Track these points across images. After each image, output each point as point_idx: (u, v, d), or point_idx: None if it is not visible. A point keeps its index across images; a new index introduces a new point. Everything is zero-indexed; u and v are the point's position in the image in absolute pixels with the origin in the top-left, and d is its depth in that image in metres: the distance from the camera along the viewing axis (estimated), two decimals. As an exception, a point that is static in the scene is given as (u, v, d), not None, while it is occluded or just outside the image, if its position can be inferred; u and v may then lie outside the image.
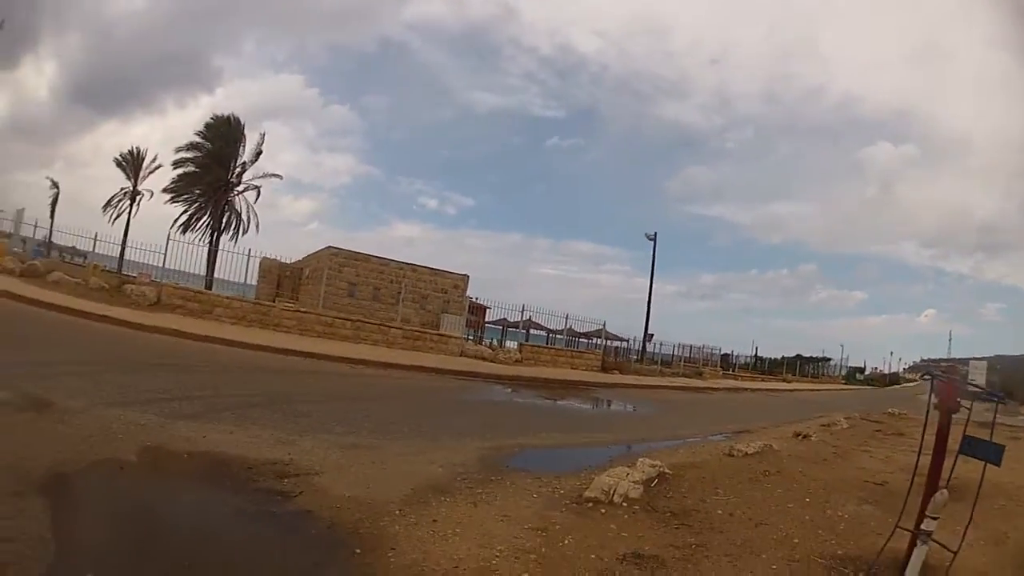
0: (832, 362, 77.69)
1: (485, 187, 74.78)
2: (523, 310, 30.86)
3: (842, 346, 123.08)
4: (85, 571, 3.41)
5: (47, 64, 74.91)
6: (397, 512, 5.18)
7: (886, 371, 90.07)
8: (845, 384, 67.35)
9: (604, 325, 34.03)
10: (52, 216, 27.57)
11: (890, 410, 20.28)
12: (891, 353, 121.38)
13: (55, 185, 30.48)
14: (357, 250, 31.26)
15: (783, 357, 67.95)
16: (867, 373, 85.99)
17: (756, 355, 64.67)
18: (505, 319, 36.43)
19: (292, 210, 76.82)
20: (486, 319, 35.81)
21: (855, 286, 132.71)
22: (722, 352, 51.81)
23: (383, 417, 10.08)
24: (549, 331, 35.55)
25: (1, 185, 24.17)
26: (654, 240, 37.00)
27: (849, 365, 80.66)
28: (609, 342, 37.45)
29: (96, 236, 25.04)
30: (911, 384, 69.77)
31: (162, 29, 71.94)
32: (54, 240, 30.74)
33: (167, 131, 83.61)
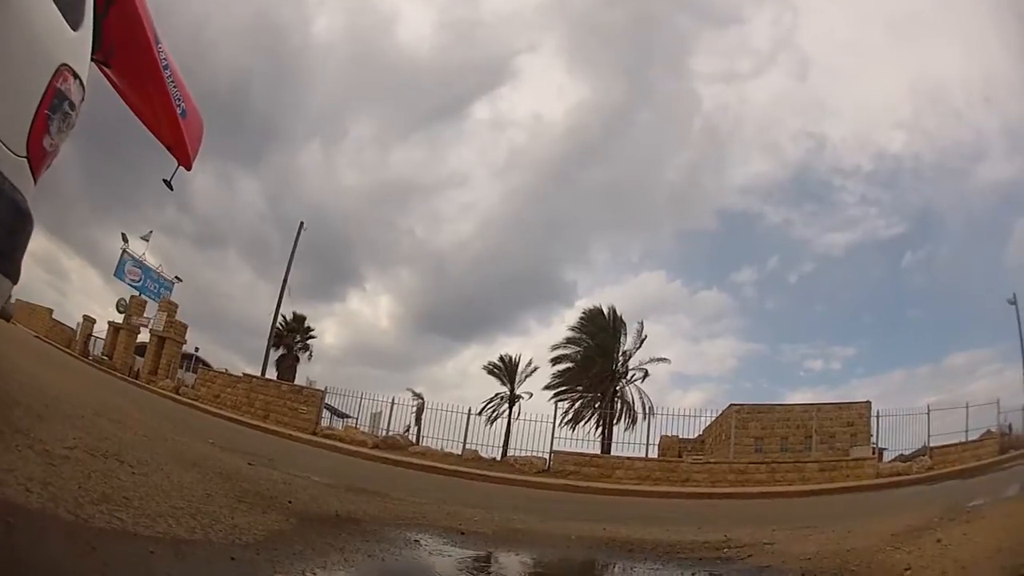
0: None
1: (861, 330, 70.83)
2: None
3: None
4: None
5: (382, 298, 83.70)
6: (889, 548, 4.79)
7: None
8: None
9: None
10: (418, 423, 29.16)
11: None
12: None
13: (419, 396, 32.89)
14: (760, 402, 30.98)
15: None
16: None
17: None
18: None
19: (683, 404, 78.25)
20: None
21: None
22: None
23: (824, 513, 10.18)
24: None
25: (356, 396, 25.03)
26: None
27: None
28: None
29: (465, 439, 25.84)
30: None
31: (502, 258, 78.54)
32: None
33: (535, 348, 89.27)
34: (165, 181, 6.88)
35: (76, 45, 3.00)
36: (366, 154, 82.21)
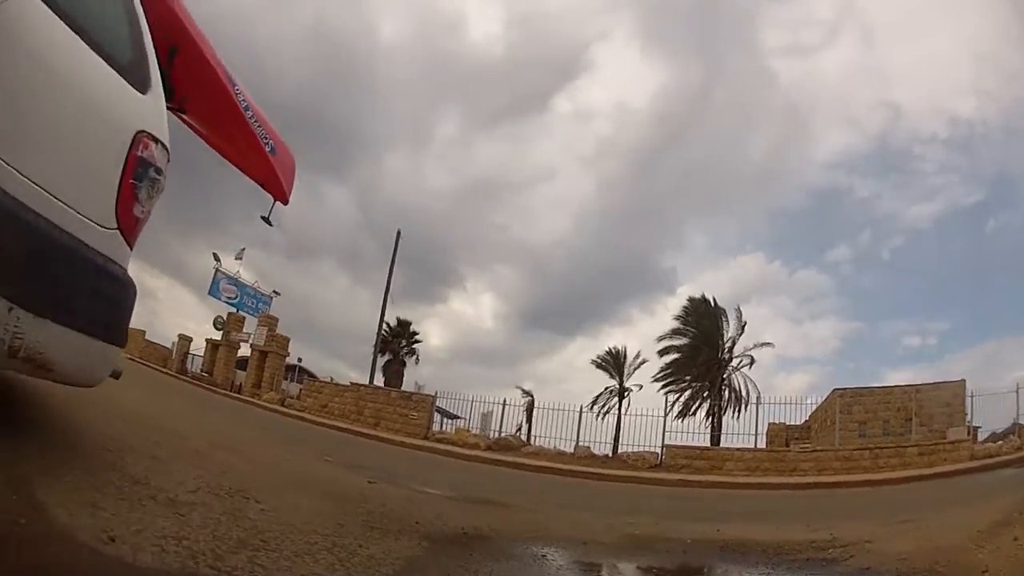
0: None
1: (955, 304, 69.18)
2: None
3: None
4: None
5: (484, 297, 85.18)
6: (973, 547, 4.82)
7: None
8: None
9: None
10: (528, 420, 29.50)
11: None
12: None
13: (528, 394, 33.26)
14: (861, 386, 30.26)
15: None
16: None
17: None
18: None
19: (788, 387, 78.42)
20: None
21: None
22: None
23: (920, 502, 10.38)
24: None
25: (466, 398, 25.80)
26: None
27: None
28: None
29: (578, 437, 26.00)
30: None
31: (599, 249, 78.94)
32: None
33: (640, 338, 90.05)
34: (264, 218, 6.94)
35: (149, 109, 3.02)
36: (452, 154, 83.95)
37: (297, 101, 74.20)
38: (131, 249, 2.88)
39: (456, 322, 78.89)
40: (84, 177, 2.58)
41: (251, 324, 38.64)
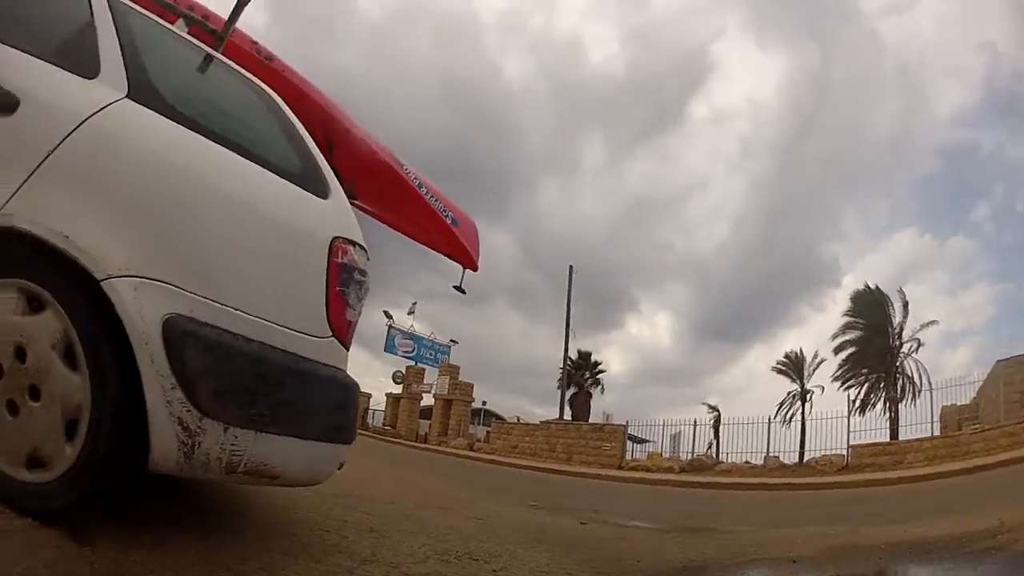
0: None
1: None
2: None
3: None
4: None
5: (658, 316, 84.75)
6: None
7: None
8: None
9: None
10: (716, 436, 29.11)
11: None
12: None
13: (713, 409, 32.95)
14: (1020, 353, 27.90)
15: None
16: None
17: None
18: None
19: (953, 365, 74.71)
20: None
21: None
22: None
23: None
24: None
25: (654, 423, 26.62)
26: None
27: None
28: None
29: (768, 448, 26.71)
30: None
31: (762, 250, 78.20)
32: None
33: (815, 335, 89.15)
34: (457, 287, 7.24)
35: (336, 213, 3.02)
36: (602, 180, 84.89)
37: (442, 156, 76.64)
38: (347, 350, 2.91)
39: (634, 346, 78.95)
40: (289, 295, 2.66)
41: (431, 374, 40.15)
